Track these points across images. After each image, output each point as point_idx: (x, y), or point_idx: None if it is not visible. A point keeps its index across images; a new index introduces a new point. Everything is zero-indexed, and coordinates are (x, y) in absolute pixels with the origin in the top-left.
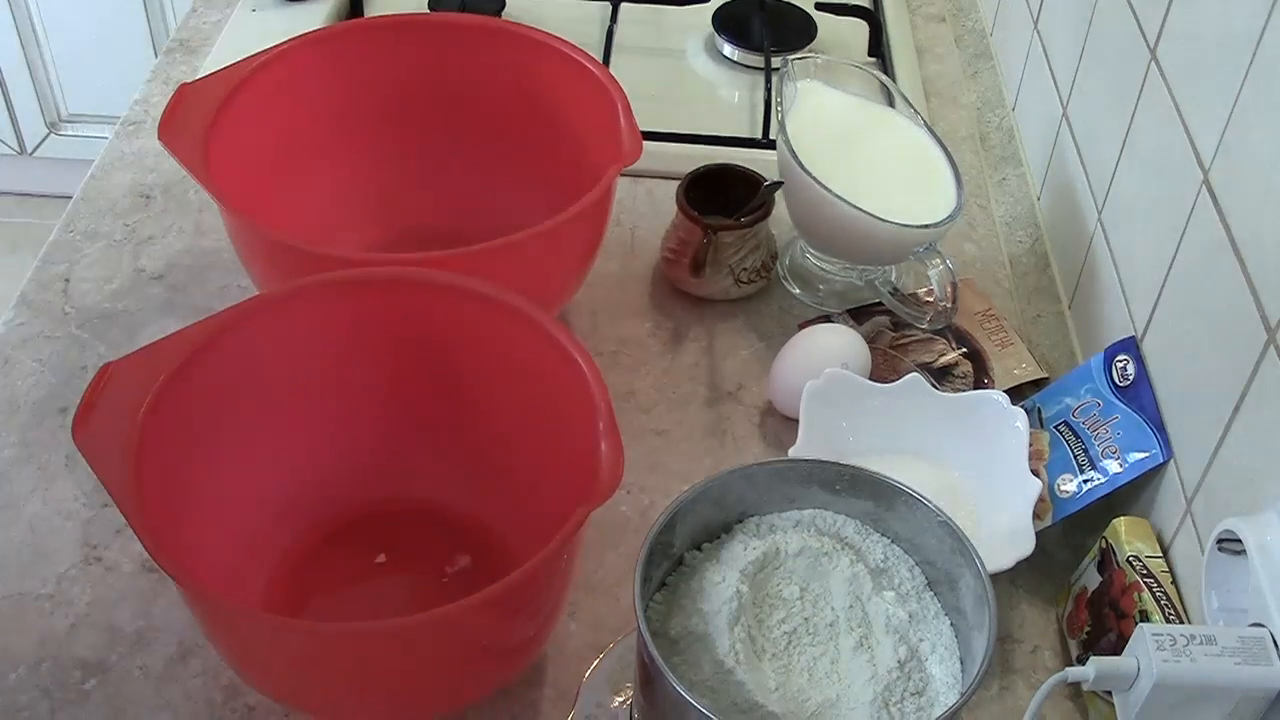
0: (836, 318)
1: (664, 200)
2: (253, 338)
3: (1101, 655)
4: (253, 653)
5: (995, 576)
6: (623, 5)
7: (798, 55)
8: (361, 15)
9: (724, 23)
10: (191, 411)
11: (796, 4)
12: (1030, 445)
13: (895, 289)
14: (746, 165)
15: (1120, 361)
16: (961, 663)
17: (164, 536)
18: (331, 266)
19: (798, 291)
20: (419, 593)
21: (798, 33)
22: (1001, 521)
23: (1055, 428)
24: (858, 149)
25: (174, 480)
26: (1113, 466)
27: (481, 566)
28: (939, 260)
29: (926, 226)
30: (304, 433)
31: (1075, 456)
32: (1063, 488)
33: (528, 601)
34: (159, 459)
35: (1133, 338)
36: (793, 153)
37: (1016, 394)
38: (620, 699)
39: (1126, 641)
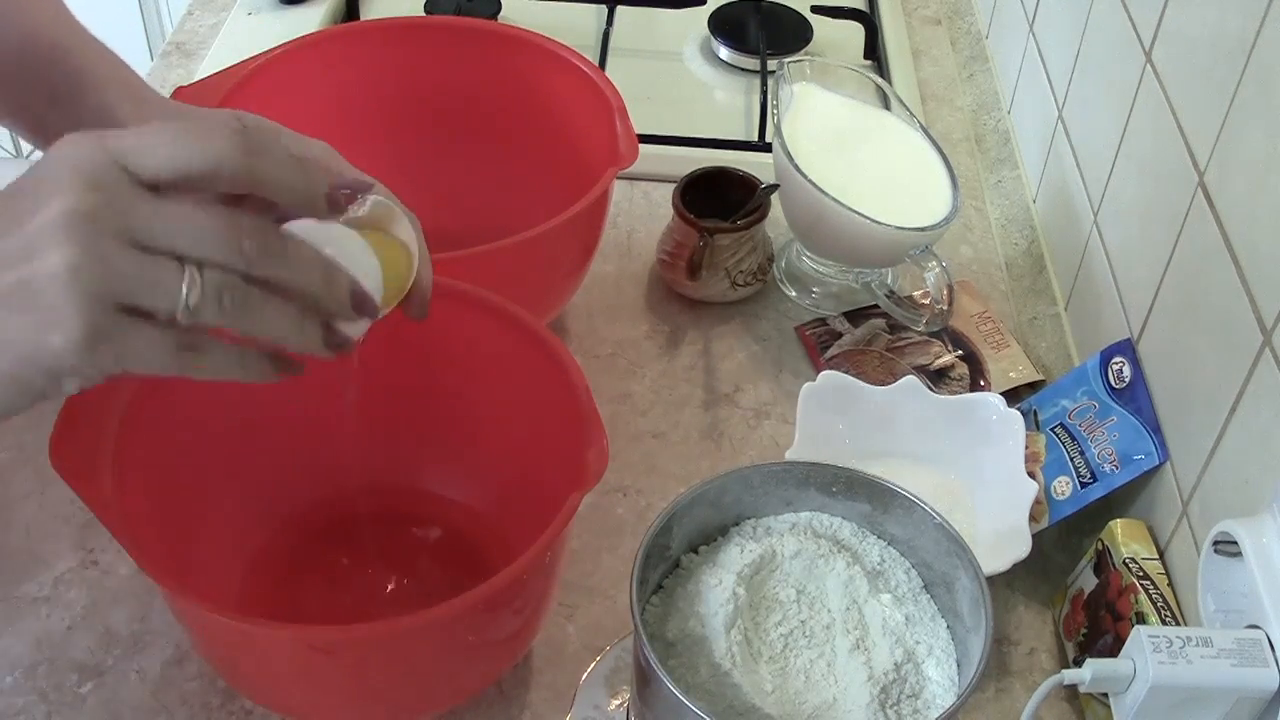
0: (833, 321)
1: (660, 203)
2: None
3: (1098, 657)
4: (240, 661)
5: (992, 579)
6: (619, 8)
7: (793, 58)
8: (357, 18)
9: (720, 25)
10: (170, 419)
11: (792, 7)
12: (1026, 448)
13: (891, 291)
14: (743, 168)
15: (1116, 363)
16: (958, 665)
17: (153, 548)
18: None
19: (794, 294)
20: (401, 590)
21: (793, 35)
22: (998, 524)
23: (1051, 430)
24: (854, 152)
25: (156, 489)
26: (1109, 469)
27: (465, 563)
28: (935, 262)
29: (922, 229)
30: (287, 432)
31: (1071, 459)
32: (1059, 490)
33: (523, 591)
34: (139, 471)
35: (1129, 340)
36: (789, 155)
37: (1013, 396)
38: (617, 701)
39: (1123, 643)
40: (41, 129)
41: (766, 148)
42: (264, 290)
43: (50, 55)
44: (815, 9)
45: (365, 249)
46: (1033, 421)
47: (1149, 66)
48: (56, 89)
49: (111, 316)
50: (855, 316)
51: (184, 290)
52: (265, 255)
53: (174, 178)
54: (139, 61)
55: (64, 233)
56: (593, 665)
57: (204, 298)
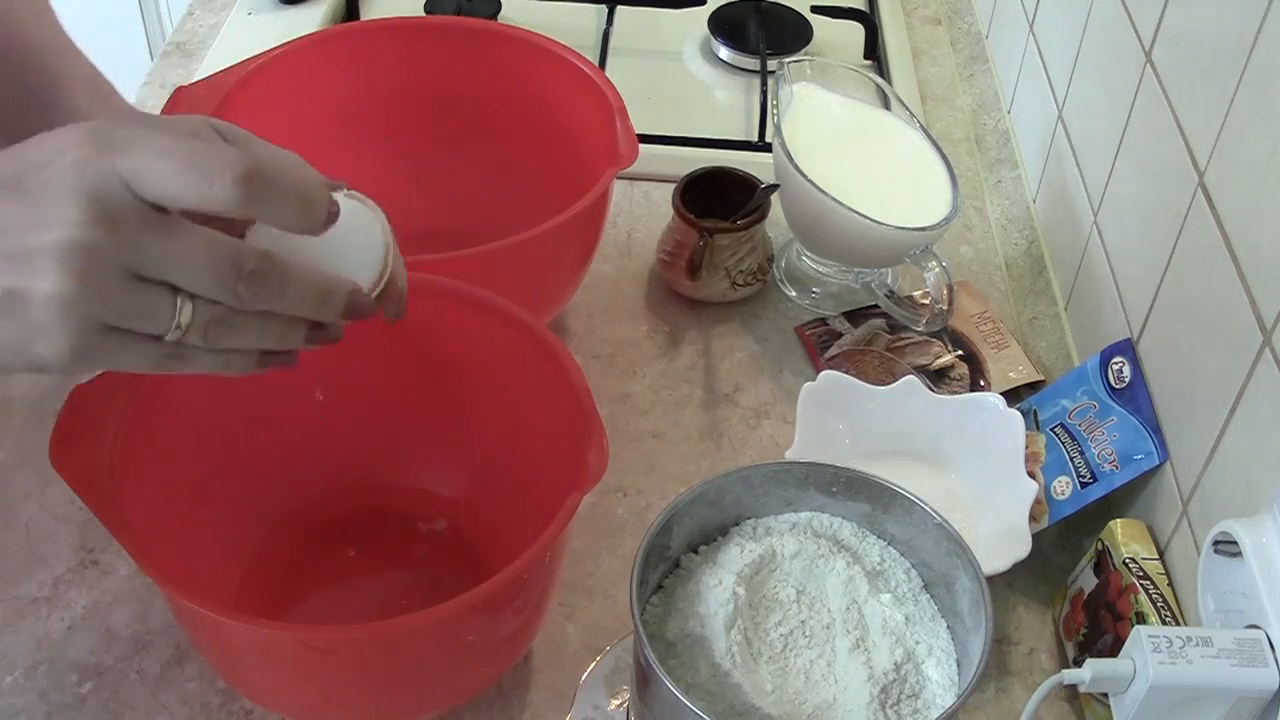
0: (833, 321)
1: (660, 203)
2: None
3: (1098, 657)
4: (240, 661)
5: (992, 579)
6: (619, 8)
7: (793, 58)
8: (357, 18)
9: (720, 25)
10: (170, 419)
11: (792, 7)
12: (1026, 448)
13: (891, 291)
14: (743, 168)
15: (1116, 363)
16: (958, 665)
17: (153, 548)
18: None
19: (794, 294)
20: (400, 590)
21: (793, 35)
22: (998, 524)
23: (1051, 430)
24: (854, 152)
25: (156, 489)
26: (1109, 469)
27: (465, 563)
28: (935, 263)
29: (922, 229)
30: (287, 431)
31: (1071, 459)
32: (1059, 490)
33: (523, 591)
34: (140, 472)
35: (1129, 340)
36: (789, 155)
37: (1013, 396)
38: (617, 702)
39: (1123, 643)
40: (9, 133)
41: (766, 148)
42: (255, 315)
43: (29, 57)
44: (815, 9)
45: (374, 221)
46: (1033, 421)
47: (1149, 66)
48: (31, 91)
49: (99, 337)
50: (855, 316)
51: (174, 320)
52: (261, 292)
53: (176, 208)
54: (139, 61)
55: (64, 263)
56: (593, 665)
57: (193, 326)
